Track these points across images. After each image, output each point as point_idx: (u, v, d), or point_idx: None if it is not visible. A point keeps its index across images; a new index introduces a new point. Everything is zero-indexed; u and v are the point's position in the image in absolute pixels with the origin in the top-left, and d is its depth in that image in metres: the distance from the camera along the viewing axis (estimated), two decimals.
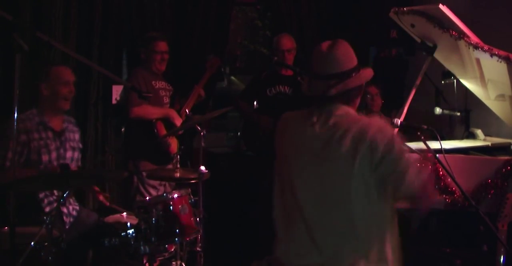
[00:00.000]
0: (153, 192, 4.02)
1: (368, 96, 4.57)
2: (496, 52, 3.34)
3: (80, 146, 3.54)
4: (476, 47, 3.39)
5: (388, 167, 2.01)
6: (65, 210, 3.35)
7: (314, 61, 2.21)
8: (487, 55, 3.38)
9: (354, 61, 2.19)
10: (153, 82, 4.07)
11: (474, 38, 3.47)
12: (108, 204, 3.49)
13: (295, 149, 2.22)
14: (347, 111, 2.16)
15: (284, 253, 2.30)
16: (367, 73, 2.21)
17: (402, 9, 3.69)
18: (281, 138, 2.32)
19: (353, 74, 2.16)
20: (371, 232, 2.07)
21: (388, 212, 2.10)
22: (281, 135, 2.33)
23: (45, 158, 3.25)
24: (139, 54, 4.12)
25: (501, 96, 3.73)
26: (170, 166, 4.07)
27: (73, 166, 3.40)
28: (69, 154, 3.39)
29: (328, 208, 2.10)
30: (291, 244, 2.25)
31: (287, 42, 4.45)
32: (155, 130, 4.01)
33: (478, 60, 3.58)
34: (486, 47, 3.37)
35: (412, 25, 3.74)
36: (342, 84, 2.13)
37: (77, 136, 3.50)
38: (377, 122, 2.09)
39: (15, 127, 2.53)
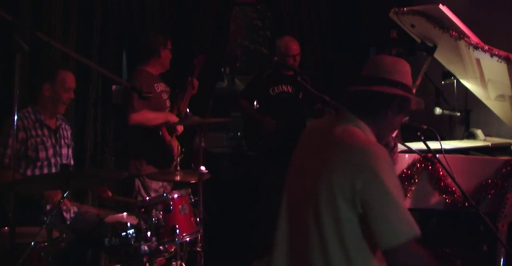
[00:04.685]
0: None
1: None
2: (496, 52, 3.34)
3: (72, 143, 3.59)
4: (476, 47, 3.39)
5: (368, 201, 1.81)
6: (63, 206, 3.35)
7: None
8: (487, 55, 3.38)
9: (397, 77, 1.99)
10: (155, 85, 4.03)
11: (474, 38, 3.47)
12: (106, 196, 3.48)
13: (297, 159, 2.14)
14: (356, 125, 1.97)
15: None
16: (402, 92, 1.99)
17: (402, 9, 3.69)
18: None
19: (386, 84, 1.97)
20: None
21: None
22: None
23: (42, 154, 3.28)
24: (144, 53, 4.07)
25: (501, 96, 3.73)
26: (171, 168, 4.06)
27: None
28: (64, 151, 3.44)
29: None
30: None
31: (296, 47, 4.49)
32: (160, 133, 3.99)
33: (478, 60, 3.58)
34: (486, 47, 3.37)
35: (412, 25, 3.75)
36: (363, 86, 1.98)
37: (69, 133, 3.55)
38: (381, 151, 1.89)
39: (15, 127, 2.54)
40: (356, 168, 1.83)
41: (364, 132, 1.97)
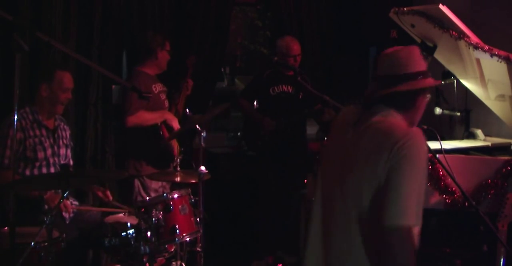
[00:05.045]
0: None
1: None
2: (496, 52, 3.34)
3: (72, 143, 3.58)
4: (476, 47, 3.39)
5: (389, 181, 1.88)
6: (63, 207, 3.35)
7: (376, 63, 2.15)
8: (487, 55, 3.38)
9: (415, 67, 2.06)
10: (153, 86, 4.02)
11: (474, 38, 3.47)
12: (107, 199, 3.50)
13: (330, 148, 2.16)
14: (391, 115, 2.03)
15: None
16: (425, 81, 2.08)
17: (402, 9, 3.69)
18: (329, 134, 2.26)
19: (408, 79, 2.04)
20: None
21: None
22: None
23: (40, 155, 3.28)
24: (142, 53, 4.06)
25: (501, 96, 3.73)
26: (171, 168, 4.05)
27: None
28: (62, 151, 3.45)
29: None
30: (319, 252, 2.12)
31: (297, 47, 4.49)
32: (161, 133, 3.97)
33: (478, 60, 3.58)
34: (486, 47, 3.37)
35: (412, 25, 3.75)
36: (390, 87, 2.03)
37: (68, 134, 3.55)
38: (415, 136, 1.95)
39: (15, 127, 2.54)
40: (393, 151, 1.89)
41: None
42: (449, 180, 3.24)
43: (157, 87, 4.06)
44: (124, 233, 2.98)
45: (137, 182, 3.99)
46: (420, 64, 2.09)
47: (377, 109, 2.05)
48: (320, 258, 2.07)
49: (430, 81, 2.10)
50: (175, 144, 4.10)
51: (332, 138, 2.22)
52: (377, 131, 1.98)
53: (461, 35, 3.44)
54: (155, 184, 4.01)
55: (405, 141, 1.91)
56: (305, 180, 4.40)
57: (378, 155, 1.91)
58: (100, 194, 3.50)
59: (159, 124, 3.97)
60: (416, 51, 2.10)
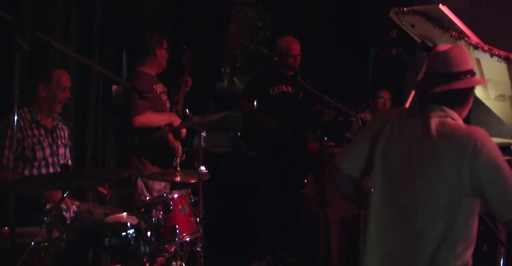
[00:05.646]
0: None
1: (381, 100, 4.57)
2: (496, 52, 3.34)
3: (70, 143, 3.58)
4: (476, 47, 3.39)
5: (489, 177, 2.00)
6: (63, 205, 3.35)
7: (428, 60, 2.21)
8: (487, 55, 3.38)
9: (467, 66, 2.16)
10: (154, 86, 4.00)
11: (474, 38, 3.47)
12: (106, 193, 3.49)
13: (392, 148, 2.16)
14: (450, 113, 2.12)
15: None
16: (478, 79, 2.20)
17: (402, 9, 3.69)
18: (378, 135, 2.21)
19: (462, 77, 2.13)
20: None
21: None
22: (378, 132, 2.22)
23: (39, 154, 3.27)
24: (140, 53, 4.05)
25: (501, 96, 3.73)
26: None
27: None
28: (61, 151, 3.43)
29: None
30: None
31: (297, 47, 4.50)
32: (165, 135, 3.96)
33: (478, 60, 3.58)
34: (486, 47, 3.37)
35: (412, 25, 3.74)
36: (447, 84, 2.11)
37: (66, 134, 3.54)
38: (483, 132, 2.07)
39: (15, 127, 2.54)
40: (470, 155, 1.99)
41: (454, 120, 2.12)
42: None
43: (158, 88, 4.05)
44: (124, 233, 2.98)
45: (140, 183, 3.97)
46: (470, 62, 2.18)
47: (433, 106, 2.12)
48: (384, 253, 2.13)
49: (480, 79, 2.25)
50: (177, 144, 4.09)
51: (385, 135, 2.19)
52: (444, 129, 2.06)
53: (461, 35, 3.44)
54: (158, 185, 4.00)
55: (478, 139, 2.01)
56: (305, 180, 4.40)
57: (452, 153, 2.01)
58: (100, 189, 3.48)
59: (162, 128, 3.95)
60: (465, 50, 2.20)
